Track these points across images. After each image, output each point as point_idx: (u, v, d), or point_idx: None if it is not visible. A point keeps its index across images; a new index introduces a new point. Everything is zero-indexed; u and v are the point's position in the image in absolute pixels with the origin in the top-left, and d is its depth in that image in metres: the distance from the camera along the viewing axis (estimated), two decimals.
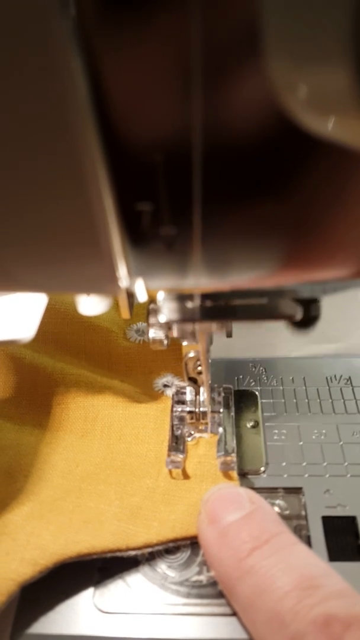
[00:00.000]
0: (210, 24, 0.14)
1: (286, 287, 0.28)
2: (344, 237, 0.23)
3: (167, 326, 0.34)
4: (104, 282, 0.24)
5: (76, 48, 0.15)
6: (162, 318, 0.28)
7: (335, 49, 0.14)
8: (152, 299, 0.30)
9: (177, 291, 0.28)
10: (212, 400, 0.42)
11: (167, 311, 0.29)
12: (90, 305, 0.33)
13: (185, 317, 0.28)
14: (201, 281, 0.24)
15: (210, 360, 0.38)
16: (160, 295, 0.28)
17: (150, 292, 0.28)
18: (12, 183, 0.20)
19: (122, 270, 0.23)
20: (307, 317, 0.30)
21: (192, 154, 0.19)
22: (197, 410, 0.41)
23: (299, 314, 0.28)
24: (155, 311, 0.32)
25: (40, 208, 0.21)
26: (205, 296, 0.28)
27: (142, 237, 0.22)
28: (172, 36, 0.15)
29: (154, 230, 0.22)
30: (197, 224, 0.21)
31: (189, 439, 0.41)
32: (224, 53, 0.15)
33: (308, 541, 0.35)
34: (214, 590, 0.33)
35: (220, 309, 0.28)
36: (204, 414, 0.41)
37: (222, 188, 0.20)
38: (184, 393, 0.43)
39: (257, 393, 0.45)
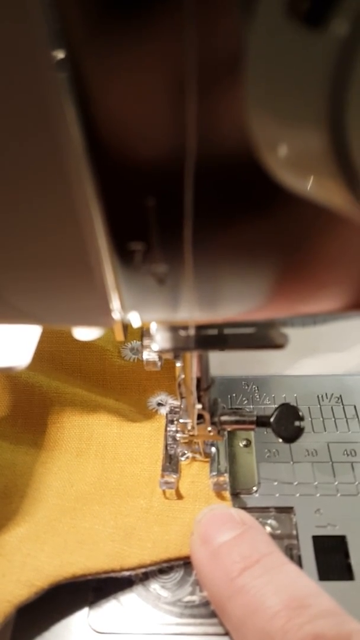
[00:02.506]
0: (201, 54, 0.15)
1: (275, 319, 0.29)
2: (333, 270, 0.24)
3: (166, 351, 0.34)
4: (98, 315, 0.25)
5: (70, 97, 0.16)
6: (155, 347, 0.29)
7: (313, 112, 0.15)
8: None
9: (170, 323, 0.28)
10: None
11: (159, 340, 0.29)
12: (85, 330, 0.34)
13: (178, 346, 0.29)
14: (193, 314, 0.25)
15: (211, 380, 0.38)
16: (153, 326, 0.29)
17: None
18: (11, 221, 0.21)
19: (115, 304, 0.24)
20: (296, 434, 0.37)
21: (183, 196, 0.19)
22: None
23: (286, 343, 0.29)
24: (150, 333, 0.33)
25: (37, 246, 0.21)
26: (197, 326, 0.29)
27: (134, 273, 0.23)
28: (165, 69, 0.16)
29: (146, 267, 0.22)
30: (189, 263, 0.22)
31: (183, 458, 0.41)
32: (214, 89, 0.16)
33: (299, 560, 0.36)
34: (206, 610, 0.34)
35: (212, 338, 0.29)
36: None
37: (210, 221, 0.21)
38: (178, 412, 0.43)
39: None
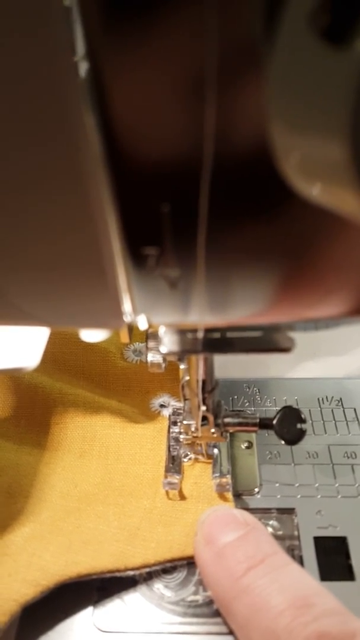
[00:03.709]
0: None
1: (282, 323, 0.29)
2: (341, 275, 0.24)
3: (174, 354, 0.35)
4: (109, 317, 0.26)
5: (89, 102, 0.17)
6: (163, 349, 0.29)
7: (334, 124, 0.15)
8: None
9: (179, 326, 0.29)
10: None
11: (167, 342, 0.30)
12: (92, 332, 0.34)
13: (185, 348, 0.30)
14: (203, 318, 0.26)
15: (215, 383, 0.38)
16: (161, 329, 0.30)
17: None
18: (26, 223, 0.21)
19: (126, 306, 0.25)
20: (298, 436, 0.37)
21: (197, 203, 0.20)
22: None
23: (293, 347, 0.29)
24: (155, 335, 0.33)
25: (51, 248, 0.22)
26: (205, 330, 0.29)
27: (147, 276, 0.23)
28: (185, 78, 0.16)
29: (159, 271, 0.23)
30: (201, 268, 0.22)
31: (185, 459, 0.42)
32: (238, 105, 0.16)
33: (300, 561, 0.36)
34: (209, 610, 0.34)
35: (219, 341, 0.29)
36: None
37: (225, 232, 0.21)
38: (180, 414, 0.44)
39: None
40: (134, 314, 0.25)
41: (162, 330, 0.30)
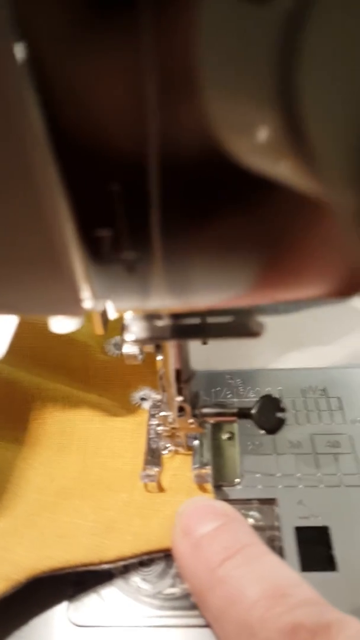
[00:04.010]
0: (160, 54, 0.15)
1: (252, 307, 0.28)
2: (308, 260, 0.24)
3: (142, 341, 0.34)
4: (68, 304, 0.25)
5: (30, 84, 0.16)
6: (130, 337, 0.29)
7: (266, 89, 0.15)
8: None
9: (143, 312, 0.28)
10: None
11: (136, 330, 0.29)
12: (62, 322, 0.34)
13: (154, 335, 0.29)
14: (165, 303, 0.25)
15: (192, 372, 0.38)
16: (129, 315, 0.29)
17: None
18: None
19: (85, 293, 0.24)
20: (278, 425, 0.37)
21: (148, 183, 0.19)
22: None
23: (262, 331, 0.29)
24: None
25: (1, 235, 0.21)
26: (173, 315, 0.29)
27: (103, 260, 0.23)
28: (125, 63, 0.16)
29: (115, 255, 0.22)
30: (157, 249, 0.22)
31: (165, 452, 0.41)
32: (173, 81, 0.16)
33: (281, 551, 0.36)
34: (187, 602, 0.34)
35: (188, 327, 0.29)
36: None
37: (180, 211, 0.21)
38: (160, 406, 0.43)
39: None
40: (94, 300, 0.25)
41: (128, 317, 0.29)
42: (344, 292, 0.25)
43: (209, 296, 0.25)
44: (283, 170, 0.17)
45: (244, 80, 0.14)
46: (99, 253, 0.22)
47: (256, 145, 0.17)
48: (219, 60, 0.14)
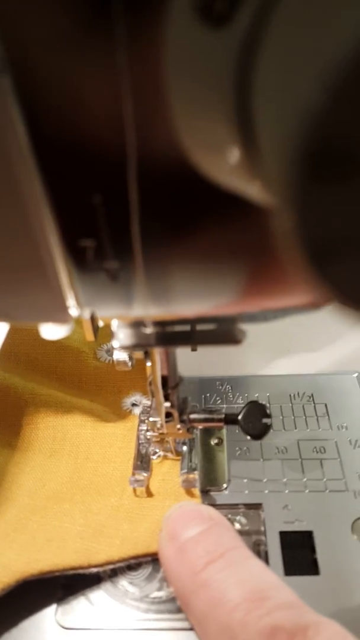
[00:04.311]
0: (134, 69, 0.16)
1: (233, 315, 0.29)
2: (286, 267, 0.24)
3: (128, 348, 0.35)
4: (55, 311, 0.26)
5: (14, 96, 0.17)
6: (116, 344, 0.30)
7: (224, 105, 0.15)
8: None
9: (127, 319, 0.29)
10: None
11: (122, 336, 0.30)
12: (52, 329, 0.35)
13: (139, 342, 0.30)
14: (148, 310, 0.26)
15: (179, 379, 0.39)
16: (115, 322, 0.30)
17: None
18: None
19: (70, 301, 0.25)
20: (263, 431, 0.38)
21: (128, 195, 0.20)
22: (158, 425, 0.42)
23: (244, 338, 0.29)
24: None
25: None
26: (158, 322, 0.29)
27: (87, 269, 0.23)
28: (104, 78, 0.16)
29: (99, 264, 0.23)
30: (138, 259, 0.23)
31: (154, 457, 0.42)
32: (147, 96, 0.17)
33: (266, 556, 0.36)
34: (173, 606, 0.34)
35: (173, 335, 0.30)
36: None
37: (159, 222, 0.22)
38: (149, 411, 0.44)
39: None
40: (79, 307, 0.26)
41: (114, 325, 0.30)
42: (323, 302, 0.26)
43: (191, 304, 0.26)
44: (249, 188, 0.18)
45: (205, 96, 0.15)
46: (82, 262, 0.23)
47: (222, 162, 0.17)
48: (183, 78, 0.15)
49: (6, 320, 0.41)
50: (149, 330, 0.30)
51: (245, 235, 0.22)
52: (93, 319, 0.30)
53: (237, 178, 0.17)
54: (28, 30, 0.16)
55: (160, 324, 0.30)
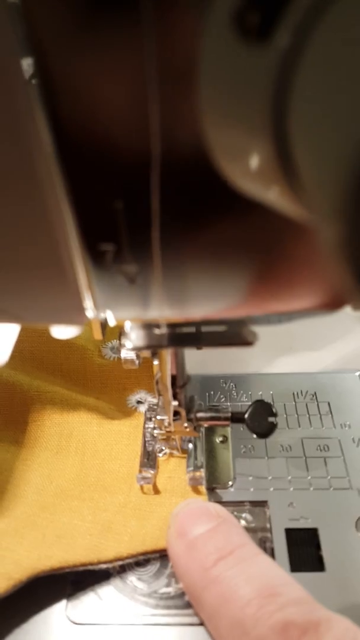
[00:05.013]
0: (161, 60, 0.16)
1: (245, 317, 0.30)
2: (301, 273, 0.25)
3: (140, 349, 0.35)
4: (72, 313, 0.26)
5: (39, 103, 0.17)
6: (129, 344, 0.30)
7: (259, 121, 0.16)
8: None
9: (142, 321, 0.29)
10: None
11: (134, 337, 0.30)
12: (63, 329, 0.35)
13: (151, 343, 0.30)
14: (163, 313, 0.26)
15: (187, 378, 0.39)
16: (127, 324, 0.30)
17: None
18: None
19: (88, 302, 0.25)
20: (269, 429, 0.38)
21: (151, 200, 0.20)
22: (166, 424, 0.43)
23: (256, 340, 0.30)
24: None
25: (10, 248, 0.22)
26: (170, 324, 0.30)
27: (106, 272, 0.24)
28: (128, 72, 0.17)
29: (117, 267, 0.23)
30: (157, 263, 0.23)
31: (160, 454, 0.42)
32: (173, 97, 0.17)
33: (272, 552, 0.37)
34: (181, 601, 0.35)
35: (185, 336, 0.30)
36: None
37: (178, 226, 0.22)
38: (156, 409, 0.44)
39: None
40: (96, 310, 0.26)
41: (128, 326, 0.30)
42: (331, 305, 0.26)
43: (205, 307, 0.26)
44: (272, 196, 0.18)
45: (240, 109, 0.16)
46: (101, 265, 0.23)
47: (247, 170, 0.18)
48: (216, 89, 0.16)
49: (23, 322, 0.42)
50: (161, 331, 0.30)
51: (261, 238, 0.23)
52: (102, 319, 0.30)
53: (261, 185, 0.18)
54: (54, 36, 0.16)
55: (172, 325, 0.30)
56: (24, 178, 0.19)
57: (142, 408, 0.46)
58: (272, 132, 0.15)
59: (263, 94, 0.14)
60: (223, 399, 0.48)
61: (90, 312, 0.26)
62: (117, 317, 0.27)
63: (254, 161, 0.17)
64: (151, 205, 0.21)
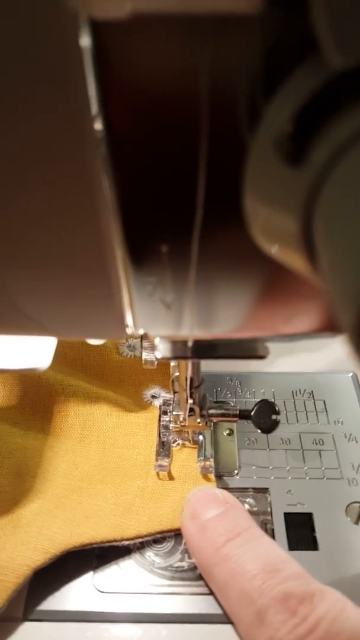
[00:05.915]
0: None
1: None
2: (307, 301, 0.29)
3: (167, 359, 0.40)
4: (113, 331, 0.31)
5: (105, 162, 0.21)
6: (158, 355, 0.35)
7: (293, 212, 0.20)
8: None
9: (172, 338, 0.34)
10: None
11: (162, 349, 0.35)
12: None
13: (177, 355, 0.35)
14: (192, 332, 0.31)
15: (202, 379, 0.44)
16: (157, 338, 0.35)
17: None
18: (49, 257, 0.26)
19: (129, 322, 0.30)
20: (273, 426, 0.43)
21: (191, 248, 0.25)
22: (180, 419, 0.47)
23: (267, 354, 0.34)
24: (148, 336, 0.38)
25: (69, 275, 0.27)
26: (195, 340, 0.34)
27: (147, 299, 0.28)
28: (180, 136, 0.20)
29: (157, 295, 0.28)
30: (191, 295, 0.27)
31: (174, 445, 0.47)
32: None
33: (272, 534, 0.42)
34: (193, 574, 0.40)
35: (205, 348, 0.35)
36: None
37: (213, 271, 0.26)
38: (170, 404, 0.49)
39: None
40: (134, 327, 0.30)
41: (157, 340, 0.35)
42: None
43: (226, 328, 0.31)
44: (285, 255, 0.22)
45: (278, 205, 0.20)
46: (144, 293, 0.28)
47: (272, 235, 0.22)
48: (259, 187, 0.20)
49: (73, 337, 0.46)
50: (187, 345, 0.35)
51: (278, 282, 0.27)
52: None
53: (282, 253, 0.22)
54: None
55: (196, 341, 0.35)
56: (87, 221, 0.23)
57: (157, 402, 0.51)
58: (302, 219, 0.19)
59: (295, 202, 0.19)
60: (229, 395, 0.52)
61: (129, 330, 0.30)
62: (152, 334, 0.31)
63: (282, 233, 0.21)
64: (191, 252, 0.25)
